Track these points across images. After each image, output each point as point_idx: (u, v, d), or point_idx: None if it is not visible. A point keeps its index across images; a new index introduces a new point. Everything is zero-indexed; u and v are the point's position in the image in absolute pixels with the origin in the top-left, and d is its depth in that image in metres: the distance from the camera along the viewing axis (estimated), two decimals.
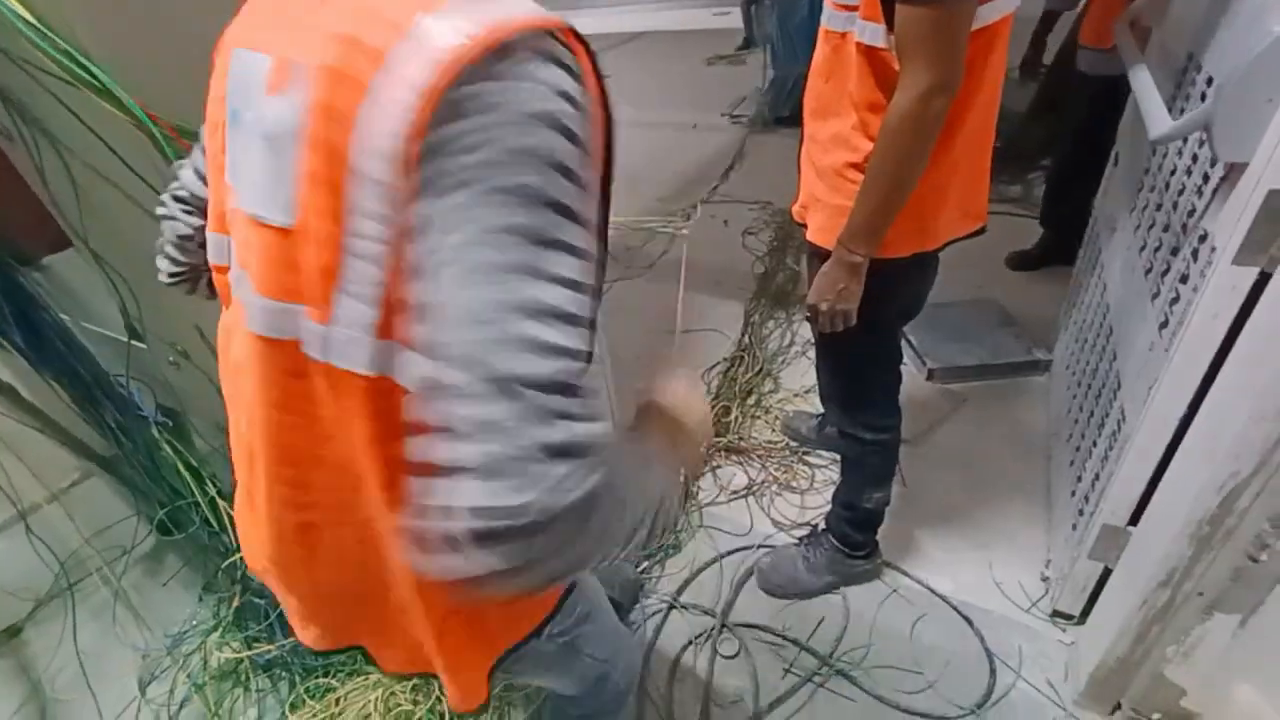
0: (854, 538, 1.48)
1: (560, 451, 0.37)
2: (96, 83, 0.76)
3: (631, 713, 1.03)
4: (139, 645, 1.54)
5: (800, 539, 1.61)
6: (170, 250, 0.70)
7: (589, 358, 0.41)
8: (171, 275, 0.72)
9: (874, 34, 0.91)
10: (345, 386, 0.47)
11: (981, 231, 1.14)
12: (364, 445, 0.50)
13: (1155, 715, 1.13)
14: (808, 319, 1.14)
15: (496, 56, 0.39)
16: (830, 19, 1.00)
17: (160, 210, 0.70)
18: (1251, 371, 0.86)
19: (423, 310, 0.39)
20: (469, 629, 0.63)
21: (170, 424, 1.34)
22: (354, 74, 0.41)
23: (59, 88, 0.78)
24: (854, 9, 0.93)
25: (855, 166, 1.00)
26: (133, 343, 1.18)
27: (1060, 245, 2.42)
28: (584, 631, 0.75)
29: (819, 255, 1.10)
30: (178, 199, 0.69)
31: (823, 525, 1.56)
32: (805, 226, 1.16)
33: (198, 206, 0.67)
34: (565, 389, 0.38)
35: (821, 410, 1.90)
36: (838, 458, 1.75)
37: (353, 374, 0.46)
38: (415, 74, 0.39)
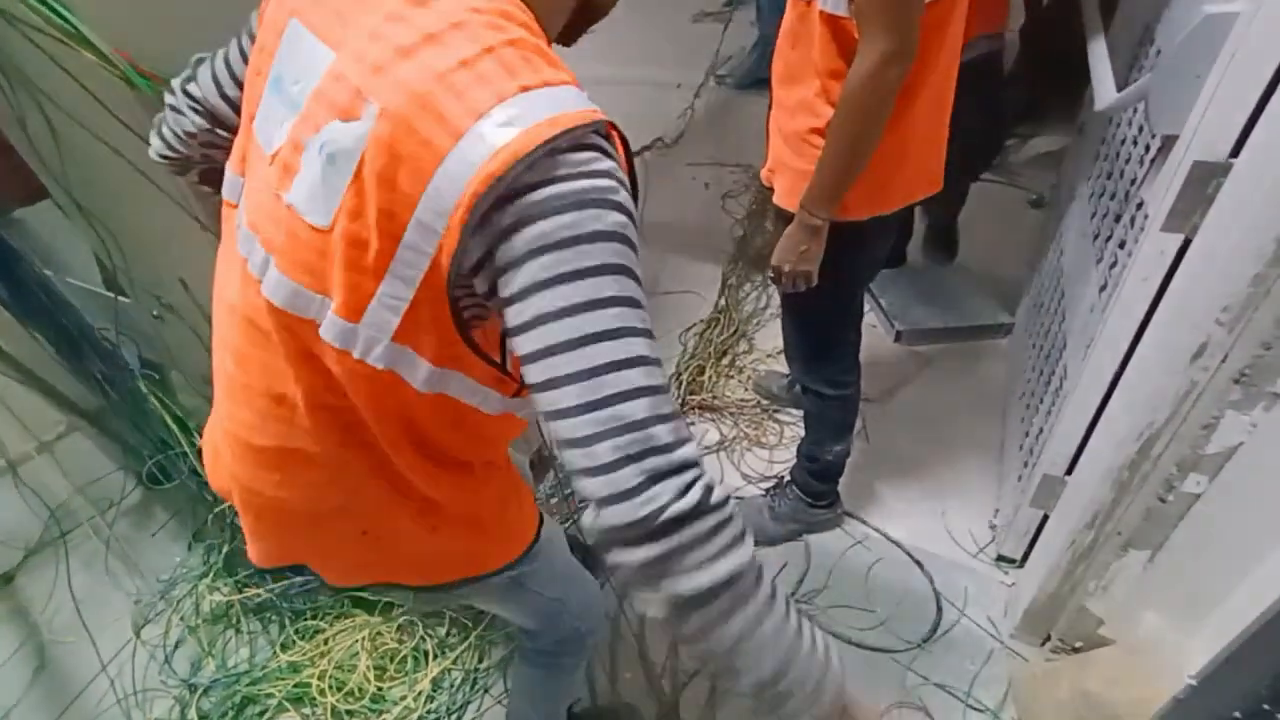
0: (816, 488, 1.57)
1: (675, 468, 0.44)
2: (73, 29, 0.77)
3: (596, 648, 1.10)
4: (131, 591, 1.59)
5: (766, 490, 1.69)
6: (169, 137, 0.72)
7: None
8: (163, 157, 0.74)
9: (836, 3, 0.94)
10: (352, 369, 0.53)
11: (938, 196, 1.20)
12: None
13: (1078, 644, 1.25)
14: (771, 279, 1.19)
15: (560, 146, 0.43)
16: None
17: (169, 100, 0.71)
18: (1170, 330, 0.94)
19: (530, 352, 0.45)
20: (437, 558, 0.71)
21: (156, 377, 1.37)
22: (426, 135, 0.44)
23: (37, 35, 0.79)
24: None
25: (818, 132, 1.05)
26: (118, 298, 1.20)
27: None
28: (530, 570, 0.78)
29: (785, 218, 1.15)
30: (189, 95, 0.69)
31: (788, 477, 1.64)
32: (774, 190, 1.20)
33: (205, 110, 0.69)
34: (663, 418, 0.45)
35: None
36: None
37: (363, 363, 0.52)
38: (484, 154, 0.43)
